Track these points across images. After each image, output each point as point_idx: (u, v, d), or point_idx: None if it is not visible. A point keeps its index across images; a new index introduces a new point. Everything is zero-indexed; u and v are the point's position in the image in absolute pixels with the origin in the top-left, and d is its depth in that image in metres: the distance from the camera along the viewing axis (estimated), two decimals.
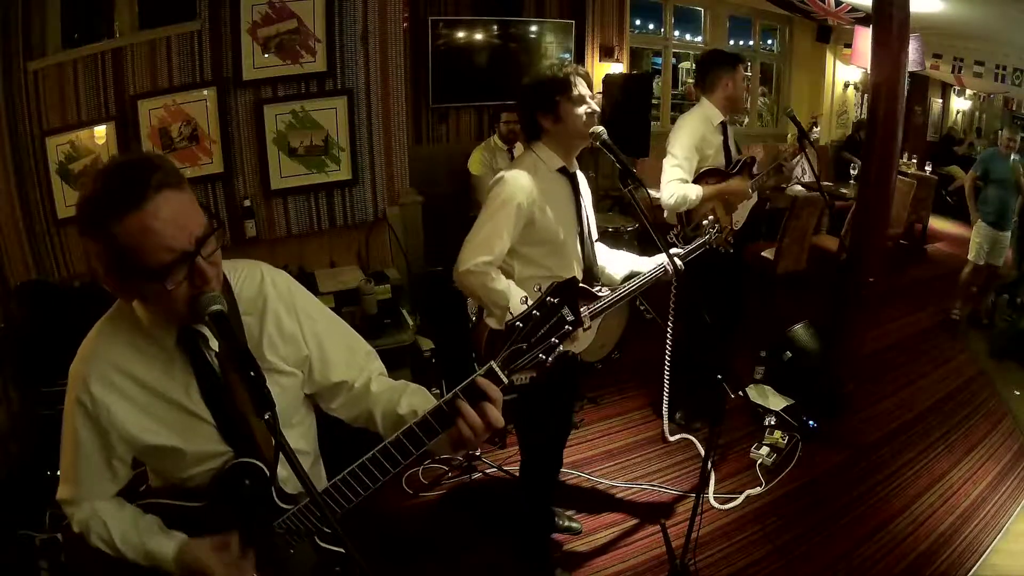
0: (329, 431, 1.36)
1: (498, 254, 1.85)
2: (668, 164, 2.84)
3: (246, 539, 1.13)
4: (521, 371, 1.06)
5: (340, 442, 1.40)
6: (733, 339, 3.43)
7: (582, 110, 1.87)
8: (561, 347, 1.05)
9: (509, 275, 1.94)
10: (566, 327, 1.04)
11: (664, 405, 3.09)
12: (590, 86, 1.92)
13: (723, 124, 2.93)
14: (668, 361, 2.86)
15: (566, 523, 2.52)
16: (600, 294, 2.02)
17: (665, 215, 2.97)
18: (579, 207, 2.00)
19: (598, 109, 1.91)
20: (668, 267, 2.05)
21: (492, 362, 1.04)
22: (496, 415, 1.05)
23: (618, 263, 2.17)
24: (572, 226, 1.98)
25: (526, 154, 1.98)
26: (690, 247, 2.22)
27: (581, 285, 1.99)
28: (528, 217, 1.86)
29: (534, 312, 1.04)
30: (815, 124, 7.33)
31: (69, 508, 1.14)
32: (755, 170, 3.02)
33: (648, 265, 2.10)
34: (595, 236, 2.15)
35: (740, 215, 3.05)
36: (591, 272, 2.05)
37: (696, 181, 2.86)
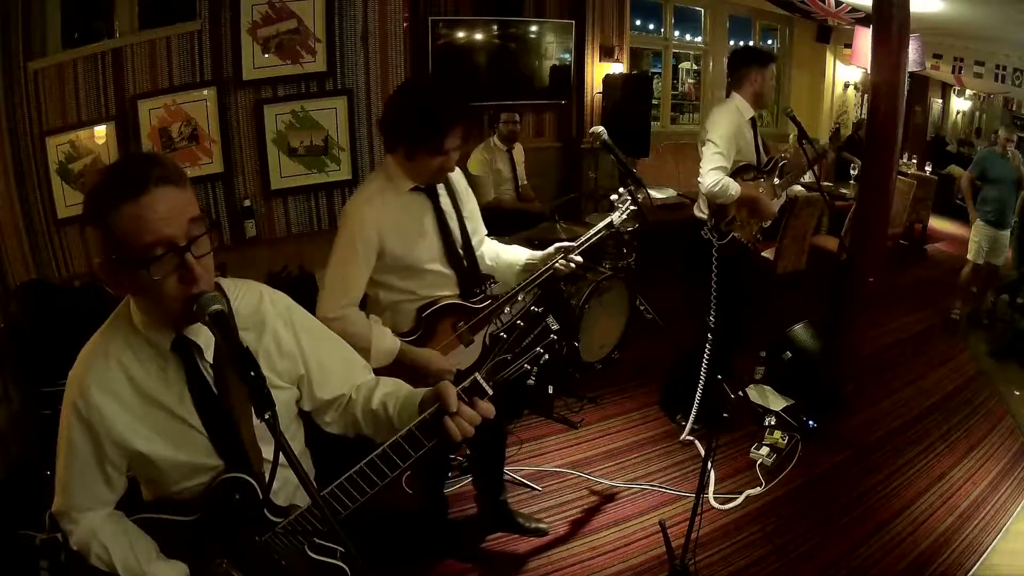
0: (318, 442, 1.37)
1: (355, 295, 1.78)
2: (709, 151, 2.82)
3: (236, 553, 1.13)
4: (506, 381, 1.06)
5: (329, 453, 1.41)
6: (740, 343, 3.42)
7: (437, 164, 1.75)
8: (547, 356, 1.06)
9: (375, 302, 1.88)
10: (551, 336, 1.05)
11: (695, 405, 3.08)
12: (466, 137, 1.77)
13: (753, 120, 2.97)
14: (707, 357, 2.88)
15: (533, 525, 2.48)
16: (479, 307, 1.93)
17: (696, 207, 2.98)
18: (442, 221, 1.87)
19: (453, 168, 1.81)
20: (560, 264, 1.97)
21: (476, 374, 1.06)
22: (466, 427, 1.05)
23: (513, 258, 2.07)
24: (434, 245, 1.86)
25: (376, 173, 1.86)
26: (584, 237, 2.06)
27: (455, 302, 1.91)
28: (377, 248, 1.77)
29: (518, 322, 1.05)
30: (838, 128, 7.44)
31: (66, 523, 1.13)
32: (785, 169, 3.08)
33: (538, 258, 2.01)
34: (480, 235, 2.05)
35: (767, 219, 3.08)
36: (469, 283, 1.93)
37: (732, 176, 2.87)
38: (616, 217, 2.11)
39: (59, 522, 1.14)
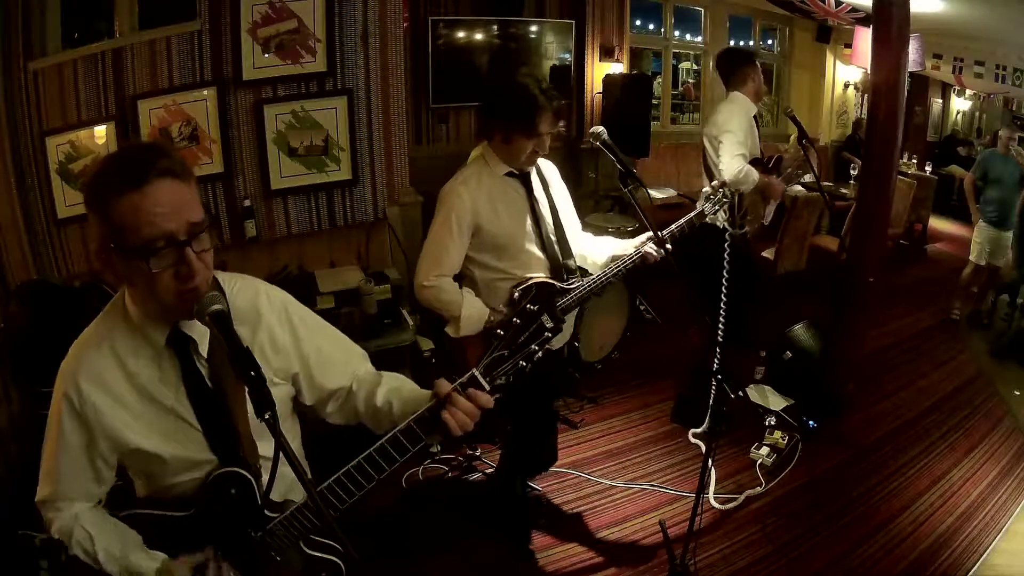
0: (312, 437, 1.37)
1: (448, 267, 1.91)
2: (730, 140, 2.88)
3: (232, 548, 1.13)
4: (503, 377, 1.09)
5: (326, 448, 1.41)
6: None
7: (531, 146, 1.87)
8: (540, 354, 1.08)
9: (472, 281, 1.98)
10: (546, 334, 1.07)
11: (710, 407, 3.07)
12: (559, 118, 1.90)
13: (755, 117, 3.05)
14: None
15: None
16: (569, 287, 2.02)
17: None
18: (534, 206, 1.99)
19: (546, 152, 1.92)
20: (651, 250, 2.01)
21: (474, 369, 1.08)
22: (465, 420, 1.06)
23: (599, 249, 2.16)
24: (527, 227, 1.98)
25: (473, 161, 1.98)
26: (674, 226, 2.13)
27: (547, 281, 2.00)
28: (473, 227, 1.90)
29: (514, 319, 1.07)
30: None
31: (49, 512, 1.13)
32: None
33: (630, 246, 2.08)
34: (574, 227, 2.14)
35: (770, 210, 3.19)
36: (559, 268, 2.03)
37: None
38: (709, 208, 2.18)
39: (42, 511, 1.14)
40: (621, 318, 2.37)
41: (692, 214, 2.15)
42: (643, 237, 2.07)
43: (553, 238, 2.03)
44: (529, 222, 1.98)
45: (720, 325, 2.79)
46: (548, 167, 2.08)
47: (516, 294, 1.96)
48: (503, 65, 5.09)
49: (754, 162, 2.98)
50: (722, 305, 2.72)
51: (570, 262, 2.06)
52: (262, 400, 0.90)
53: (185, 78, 2.73)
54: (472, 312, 1.90)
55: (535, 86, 1.84)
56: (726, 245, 2.63)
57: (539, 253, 2.00)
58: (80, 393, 1.04)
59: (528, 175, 1.99)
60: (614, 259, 2.09)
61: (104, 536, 1.10)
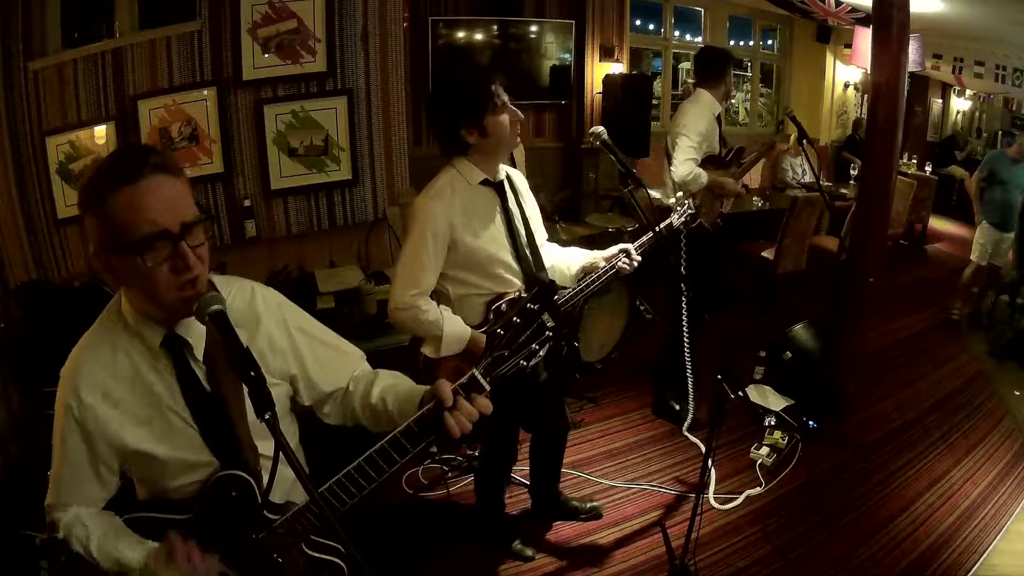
0: (312, 437, 1.37)
1: (426, 285, 1.82)
2: (684, 143, 2.94)
3: (233, 551, 1.13)
4: (503, 377, 1.07)
5: (323, 448, 1.41)
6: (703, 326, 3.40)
7: (506, 118, 1.79)
8: (542, 353, 1.07)
9: (445, 297, 1.91)
10: (547, 333, 1.06)
11: (690, 397, 3.15)
12: (506, 89, 1.83)
13: (719, 115, 3.10)
14: (688, 348, 2.91)
15: (588, 505, 2.59)
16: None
17: (668, 192, 3.08)
18: (509, 216, 1.92)
19: (522, 116, 1.85)
20: (624, 264, 2.04)
21: (474, 370, 1.06)
22: (465, 423, 1.06)
23: (567, 260, 2.13)
24: (502, 239, 1.90)
25: (444, 171, 1.88)
26: (643, 238, 2.16)
27: (523, 296, 1.92)
28: (448, 242, 1.82)
29: (514, 319, 1.06)
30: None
31: (55, 513, 1.14)
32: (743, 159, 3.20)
33: (600, 258, 2.09)
34: (542, 238, 2.08)
35: (726, 203, 3.21)
36: (534, 281, 1.97)
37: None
38: (675, 219, 2.22)
39: (49, 513, 1.15)
40: (621, 318, 2.37)
41: (662, 225, 2.15)
42: (614, 249, 2.08)
43: (527, 250, 1.95)
44: (505, 234, 1.91)
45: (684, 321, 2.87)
46: (517, 176, 2.02)
47: (492, 310, 1.91)
48: (503, 65, 5.10)
49: (711, 159, 3.03)
50: (683, 303, 2.82)
51: (543, 275, 2.00)
52: (262, 400, 0.90)
53: (185, 78, 2.73)
54: (454, 330, 1.83)
55: (469, 71, 1.81)
56: (682, 242, 2.67)
57: (515, 265, 1.93)
58: (79, 400, 1.05)
59: (502, 184, 1.91)
60: (584, 271, 2.08)
61: (99, 530, 1.11)
